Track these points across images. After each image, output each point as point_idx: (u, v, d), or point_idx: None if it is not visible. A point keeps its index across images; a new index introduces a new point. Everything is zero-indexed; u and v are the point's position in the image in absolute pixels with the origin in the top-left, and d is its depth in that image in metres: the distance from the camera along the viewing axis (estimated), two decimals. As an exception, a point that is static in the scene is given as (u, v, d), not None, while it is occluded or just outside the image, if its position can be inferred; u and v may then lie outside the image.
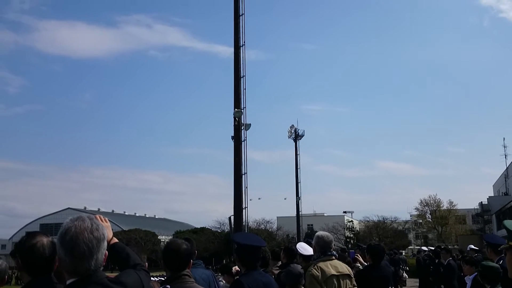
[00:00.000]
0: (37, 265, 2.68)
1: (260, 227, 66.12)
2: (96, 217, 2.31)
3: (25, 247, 2.72)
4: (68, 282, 2.17)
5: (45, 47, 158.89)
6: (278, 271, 6.68)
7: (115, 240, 2.63)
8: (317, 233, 5.41)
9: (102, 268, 2.23)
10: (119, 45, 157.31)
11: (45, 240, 2.75)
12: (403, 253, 33.79)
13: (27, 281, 2.72)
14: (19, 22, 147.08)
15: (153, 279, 4.57)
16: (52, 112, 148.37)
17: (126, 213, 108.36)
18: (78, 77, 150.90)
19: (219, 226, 70.00)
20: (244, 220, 21.29)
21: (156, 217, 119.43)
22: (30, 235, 2.82)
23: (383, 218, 66.98)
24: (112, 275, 2.46)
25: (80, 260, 2.11)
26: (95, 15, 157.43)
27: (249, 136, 21.58)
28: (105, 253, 2.23)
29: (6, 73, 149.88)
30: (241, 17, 22.27)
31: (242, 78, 21.83)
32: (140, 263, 2.63)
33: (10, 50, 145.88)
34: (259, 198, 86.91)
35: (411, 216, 76.42)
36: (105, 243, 2.23)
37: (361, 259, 7.45)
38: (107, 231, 2.41)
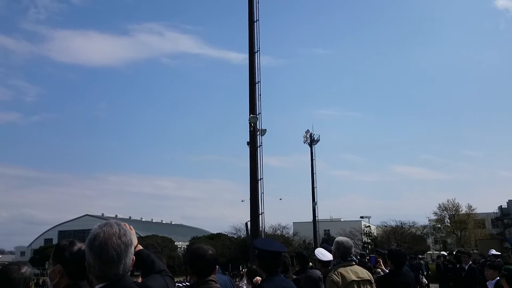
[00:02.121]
0: (81, 269, 2.72)
1: (276, 233, 65.90)
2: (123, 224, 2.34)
3: (70, 253, 2.76)
4: (96, 287, 2.21)
5: (59, 56, 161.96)
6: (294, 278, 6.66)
7: (140, 247, 2.67)
8: (336, 239, 5.37)
9: (129, 273, 2.26)
10: (132, 53, 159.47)
11: (83, 247, 2.79)
12: (422, 258, 33.30)
13: (67, 284, 2.75)
14: (34, 32, 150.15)
15: (178, 284, 4.59)
16: (69, 120, 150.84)
17: (143, 219, 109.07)
18: (93, 85, 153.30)
19: (235, 232, 70.07)
20: (260, 225, 21.23)
21: (173, 223, 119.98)
22: (71, 242, 2.87)
23: (401, 223, 66.28)
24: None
25: (109, 265, 2.15)
26: (108, 24, 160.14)
27: (263, 141, 21.60)
28: (133, 258, 2.27)
29: (24, 82, 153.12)
30: (255, 23, 22.33)
31: (257, 84, 21.86)
32: (165, 269, 2.66)
33: (26, 60, 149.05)
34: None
35: (429, 220, 75.47)
36: (132, 248, 2.27)
37: (382, 266, 7.36)
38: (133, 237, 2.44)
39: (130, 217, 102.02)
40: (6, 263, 3.31)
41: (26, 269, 3.01)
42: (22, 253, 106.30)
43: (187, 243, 75.08)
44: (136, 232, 2.56)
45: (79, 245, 2.80)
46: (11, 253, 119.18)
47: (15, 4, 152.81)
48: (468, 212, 69.57)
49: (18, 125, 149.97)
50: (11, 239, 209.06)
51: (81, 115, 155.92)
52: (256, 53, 22.08)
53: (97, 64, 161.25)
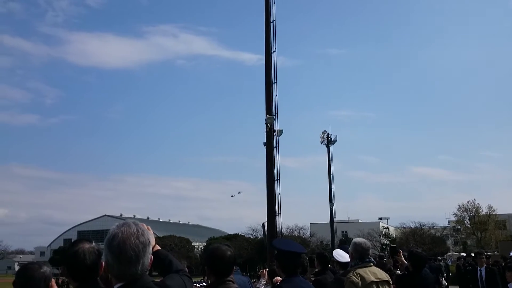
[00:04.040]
0: (80, 271, 2.75)
1: (293, 234, 65.77)
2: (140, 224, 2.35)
3: (68, 254, 2.80)
4: (115, 286, 2.22)
5: (76, 59, 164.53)
6: (314, 278, 6.62)
7: (158, 247, 2.68)
8: (354, 240, 5.33)
9: (147, 272, 2.27)
10: (147, 56, 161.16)
11: (86, 246, 2.82)
12: (442, 260, 32.90)
13: (74, 287, 2.79)
14: (51, 35, 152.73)
15: (195, 285, 4.60)
16: (86, 122, 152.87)
17: (160, 220, 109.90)
18: (110, 87, 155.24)
19: (252, 233, 70.12)
20: (277, 226, 21.21)
21: (190, 223, 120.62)
22: (73, 243, 2.90)
23: (420, 225, 65.53)
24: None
25: (127, 265, 2.16)
26: (123, 27, 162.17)
27: (279, 142, 21.53)
28: (151, 257, 2.28)
29: (42, 85, 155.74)
30: (272, 23, 22.34)
31: (273, 85, 21.85)
32: (182, 269, 2.67)
33: (44, 63, 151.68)
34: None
35: (449, 222, 74.52)
36: (150, 248, 2.28)
37: (402, 257, 7.25)
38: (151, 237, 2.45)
39: (148, 218, 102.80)
40: (26, 263, 3.36)
41: (46, 269, 3.05)
42: (42, 253, 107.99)
43: (204, 243, 75.39)
44: (153, 233, 2.57)
45: (81, 245, 2.81)
46: (31, 253, 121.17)
47: (33, 8, 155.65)
48: (488, 213, 68.44)
49: (37, 127, 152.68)
50: (31, 239, 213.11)
51: (98, 117, 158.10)
52: (272, 54, 22.08)
53: (113, 67, 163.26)
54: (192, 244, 77.34)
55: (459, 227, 73.17)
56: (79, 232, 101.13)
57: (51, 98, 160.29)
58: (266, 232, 22.10)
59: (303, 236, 68.83)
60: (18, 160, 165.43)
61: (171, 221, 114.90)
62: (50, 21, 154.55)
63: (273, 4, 22.53)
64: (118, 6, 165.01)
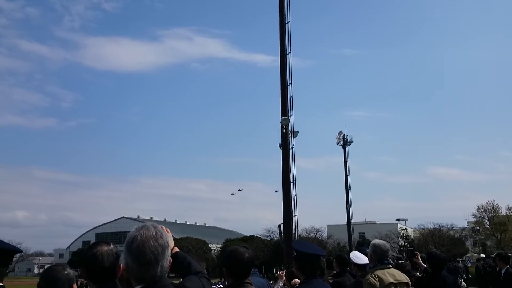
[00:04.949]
0: (98, 273, 2.78)
1: (310, 235, 65.51)
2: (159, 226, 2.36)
3: (87, 257, 2.82)
4: None
5: (92, 63, 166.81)
6: (332, 280, 6.58)
7: (177, 249, 2.69)
8: (373, 241, 5.29)
9: (167, 274, 2.29)
10: (162, 59, 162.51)
11: (105, 249, 2.84)
12: (461, 261, 32.47)
13: None
14: (67, 39, 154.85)
15: (213, 286, 4.60)
16: (103, 125, 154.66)
17: (177, 222, 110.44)
18: (126, 91, 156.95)
19: (268, 235, 70.07)
20: (294, 228, 21.13)
21: (206, 225, 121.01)
22: (92, 245, 2.92)
23: (439, 226, 64.73)
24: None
25: (146, 267, 2.17)
26: (138, 30, 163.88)
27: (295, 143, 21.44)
28: (169, 259, 2.29)
29: (60, 89, 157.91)
30: (286, 25, 22.31)
31: (288, 86, 21.80)
32: (201, 271, 2.68)
33: (61, 67, 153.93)
34: (275, 191, 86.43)
35: (468, 223, 73.40)
36: (169, 250, 2.29)
37: (420, 260, 7.19)
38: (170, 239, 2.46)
39: (164, 219, 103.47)
40: (50, 264, 3.41)
41: (69, 271, 3.11)
42: (61, 255, 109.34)
43: (220, 245, 75.59)
44: (171, 234, 2.58)
45: (99, 248, 2.83)
46: (50, 255, 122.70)
47: (50, 13, 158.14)
48: (508, 213, 67.20)
49: (56, 130, 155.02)
50: (50, 241, 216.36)
51: (115, 120, 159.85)
52: (287, 55, 22.04)
53: (129, 70, 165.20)
54: (209, 245, 77.59)
55: (478, 228, 72.04)
56: (98, 234, 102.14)
57: (68, 102, 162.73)
58: (282, 234, 22.05)
59: (320, 238, 68.50)
60: (37, 163, 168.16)
61: (187, 223, 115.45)
62: (66, 25, 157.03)
63: (288, 6, 22.50)
64: (133, 10, 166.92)
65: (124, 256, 2.26)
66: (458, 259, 34.30)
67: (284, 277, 7.61)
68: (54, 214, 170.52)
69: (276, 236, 59.45)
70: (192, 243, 70.47)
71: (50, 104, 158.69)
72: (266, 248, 63.93)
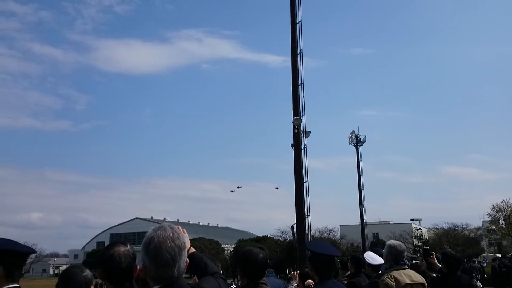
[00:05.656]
0: (115, 273, 2.79)
1: (323, 236, 65.23)
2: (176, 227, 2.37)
3: (104, 257, 2.85)
4: None
5: (105, 65, 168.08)
6: (347, 281, 6.54)
7: (193, 249, 2.70)
8: (388, 242, 5.26)
9: (184, 275, 2.30)
10: (173, 60, 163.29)
11: (122, 249, 2.85)
12: (476, 261, 32.07)
13: None
14: (80, 42, 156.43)
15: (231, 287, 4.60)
16: (117, 126, 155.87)
17: (190, 222, 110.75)
18: (138, 92, 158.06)
19: (281, 235, 69.86)
20: (307, 228, 21.07)
21: (219, 226, 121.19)
22: (109, 246, 2.94)
23: (454, 225, 64.04)
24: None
25: (164, 268, 2.19)
26: (149, 32, 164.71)
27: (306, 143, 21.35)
28: (186, 260, 2.30)
29: (73, 91, 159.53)
30: (298, 24, 22.28)
31: (300, 86, 21.76)
32: (217, 272, 2.69)
33: (74, 70, 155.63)
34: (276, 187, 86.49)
35: (483, 222, 72.54)
36: (186, 251, 2.31)
37: (435, 260, 7.13)
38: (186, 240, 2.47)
39: (177, 220, 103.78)
40: (64, 265, 3.44)
41: (87, 272, 3.14)
42: (76, 256, 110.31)
43: (233, 245, 75.66)
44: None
45: (116, 249, 2.85)
46: (65, 256, 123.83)
47: (63, 16, 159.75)
48: (524, 213, 66.30)
49: (70, 132, 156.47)
50: (65, 242, 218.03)
51: (128, 122, 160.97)
52: (298, 55, 22.00)
53: (141, 72, 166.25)
54: (222, 246, 77.69)
55: (494, 227, 71.15)
56: (112, 235, 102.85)
57: (81, 104, 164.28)
58: (295, 234, 21.99)
59: (333, 238, 68.15)
60: (51, 165, 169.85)
61: (200, 223, 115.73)
62: (79, 28, 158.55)
63: (299, 6, 22.47)
64: (144, 13, 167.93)
65: (141, 256, 2.28)
66: (474, 259, 33.86)
67: (298, 278, 7.59)
68: (68, 215, 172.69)
69: (289, 236, 59.31)
70: (205, 244, 70.60)
71: (63, 107, 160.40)
72: (279, 249, 63.77)
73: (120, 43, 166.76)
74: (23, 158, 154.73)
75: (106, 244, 3.23)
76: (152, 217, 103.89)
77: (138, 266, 2.80)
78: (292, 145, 21.30)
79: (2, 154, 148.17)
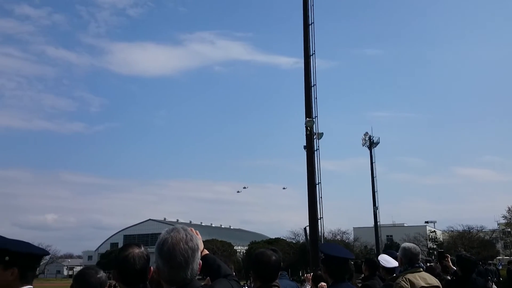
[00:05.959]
0: (130, 275, 2.80)
1: (336, 238, 64.92)
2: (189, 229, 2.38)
3: (119, 259, 2.86)
4: None
5: (119, 68, 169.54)
6: (361, 284, 6.50)
7: (206, 251, 2.70)
8: (403, 245, 5.21)
9: (197, 277, 2.30)
10: (185, 63, 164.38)
11: (136, 251, 2.86)
12: (492, 264, 31.66)
13: None
14: (93, 45, 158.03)
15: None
16: (130, 128, 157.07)
17: (203, 224, 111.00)
18: (152, 95, 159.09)
19: (293, 237, 69.72)
20: (320, 230, 20.96)
21: (231, 227, 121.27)
22: (123, 248, 2.96)
23: (468, 228, 63.33)
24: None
25: (177, 270, 2.19)
26: (162, 35, 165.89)
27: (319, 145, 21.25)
28: (199, 262, 2.30)
29: (87, 94, 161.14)
30: (310, 26, 22.20)
31: (312, 87, 21.67)
32: (230, 274, 2.68)
33: (88, 72, 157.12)
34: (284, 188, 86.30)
35: (498, 224, 71.60)
36: (199, 253, 2.31)
37: (450, 262, 7.07)
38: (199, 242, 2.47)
39: (190, 222, 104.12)
40: (79, 266, 3.47)
41: (102, 274, 3.16)
42: (90, 257, 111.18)
43: (246, 247, 75.64)
44: (199, 237, 2.58)
45: (131, 250, 2.86)
46: (79, 257, 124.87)
47: (76, 19, 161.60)
48: (540, 215, 65.27)
49: (84, 134, 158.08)
50: (79, 243, 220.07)
51: (142, 124, 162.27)
52: (311, 56, 21.93)
53: (154, 74, 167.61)
54: (234, 248, 77.72)
55: (509, 229, 70.19)
56: (125, 236, 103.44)
57: (95, 107, 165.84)
58: (308, 237, 21.89)
59: (347, 241, 67.81)
60: (66, 167, 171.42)
61: (213, 225, 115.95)
62: (92, 32, 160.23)
63: (312, 7, 22.40)
64: (157, 16, 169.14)
65: (155, 258, 2.28)
66: (489, 261, 33.43)
67: (311, 280, 7.55)
68: (82, 217, 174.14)
69: (302, 238, 59.14)
70: (217, 245, 70.69)
71: (77, 109, 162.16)
72: (292, 251, 63.62)
73: (133, 46, 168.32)
74: (37, 160, 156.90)
75: (119, 246, 3.24)
76: (165, 219, 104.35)
77: (152, 267, 2.80)
78: (305, 147, 21.21)
79: (17, 156, 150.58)
